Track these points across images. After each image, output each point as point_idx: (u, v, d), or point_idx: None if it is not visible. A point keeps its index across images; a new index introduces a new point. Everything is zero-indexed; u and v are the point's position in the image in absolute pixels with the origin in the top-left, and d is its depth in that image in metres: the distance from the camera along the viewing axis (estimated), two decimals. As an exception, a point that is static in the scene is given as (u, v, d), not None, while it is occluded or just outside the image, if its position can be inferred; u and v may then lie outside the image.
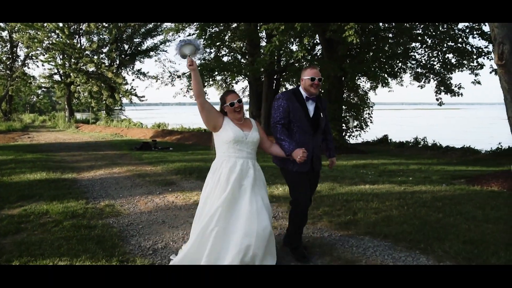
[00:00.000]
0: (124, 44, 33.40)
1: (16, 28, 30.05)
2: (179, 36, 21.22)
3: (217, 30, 17.53)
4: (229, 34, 18.67)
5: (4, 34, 31.79)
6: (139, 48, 33.94)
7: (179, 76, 19.58)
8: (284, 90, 19.01)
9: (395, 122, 46.02)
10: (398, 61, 14.29)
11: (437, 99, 14.79)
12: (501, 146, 12.50)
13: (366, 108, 17.70)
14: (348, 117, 15.38)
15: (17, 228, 4.68)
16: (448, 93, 14.21)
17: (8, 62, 32.51)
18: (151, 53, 33.64)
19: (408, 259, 3.66)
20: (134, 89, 32.71)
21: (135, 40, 33.53)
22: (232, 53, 19.24)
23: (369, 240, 4.16)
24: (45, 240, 4.22)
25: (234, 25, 18.11)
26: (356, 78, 15.08)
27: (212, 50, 18.19)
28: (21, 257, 3.73)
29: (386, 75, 13.80)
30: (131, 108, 35.84)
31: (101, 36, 32.19)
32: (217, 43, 17.19)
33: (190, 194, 6.40)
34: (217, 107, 3.54)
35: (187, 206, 5.72)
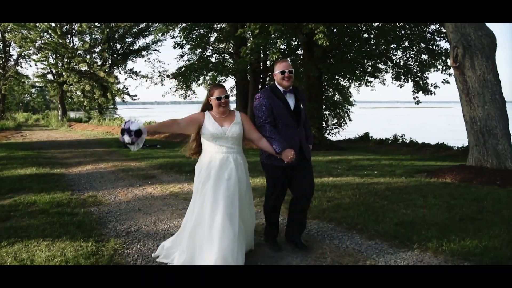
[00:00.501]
0: (116, 44, 33.87)
1: (8, 28, 30.39)
2: (168, 36, 21.69)
3: (202, 32, 18.10)
4: (215, 36, 19.32)
5: (-3, 33, 32.17)
6: (131, 48, 34.42)
7: (168, 76, 20.14)
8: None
9: (387, 120, 46.75)
10: (378, 61, 14.92)
11: (414, 98, 15.50)
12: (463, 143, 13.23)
13: (349, 106, 18.41)
14: (327, 115, 16.02)
15: (7, 215, 5.19)
16: (423, 92, 14.91)
17: (0, 62, 32.85)
18: (143, 52, 34.13)
19: (344, 237, 4.26)
20: (127, 88, 33.24)
21: (127, 39, 34.00)
22: (215, 54, 19.80)
23: (315, 223, 4.75)
24: (31, 225, 4.76)
25: (221, 25, 18.70)
26: (337, 77, 15.81)
27: (197, 52, 18.78)
28: (9, 238, 4.26)
29: (364, 75, 14.45)
30: (126, 107, 36.32)
31: (93, 36, 32.64)
32: (202, 45, 17.81)
33: (167, 186, 6.98)
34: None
35: (163, 196, 6.29)
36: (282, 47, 15.98)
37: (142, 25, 32.78)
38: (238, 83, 19.53)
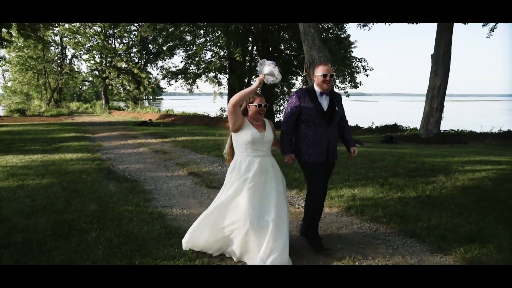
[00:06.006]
0: (149, 45, 40.66)
1: (65, 34, 38.04)
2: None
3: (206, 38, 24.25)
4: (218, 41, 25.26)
5: (57, 38, 40.08)
6: (163, 48, 41.01)
7: (174, 75, 26.58)
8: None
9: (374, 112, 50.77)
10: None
11: (345, 92, 20.65)
12: (375, 125, 18.37)
13: None
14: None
15: (57, 149, 11.27)
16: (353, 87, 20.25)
17: (59, 61, 40.86)
18: (173, 51, 40.57)
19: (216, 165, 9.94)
20: (158, 82, 40.06)
21: (158, 41, 40.62)
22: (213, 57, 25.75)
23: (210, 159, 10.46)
24: (68, 151, 10.80)
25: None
26: None
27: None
28: (57, 153, 10.30)
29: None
30: (170, 98, 42.97)
31: (130, 38, 39.62)
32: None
33: (140, 140, 12.96)
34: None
35: (133, 144, 12.23)
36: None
37: (171, 29, 39.21)
38: (229, 79, 25.26)
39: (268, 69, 3.58)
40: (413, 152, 9.87)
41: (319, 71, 3.81)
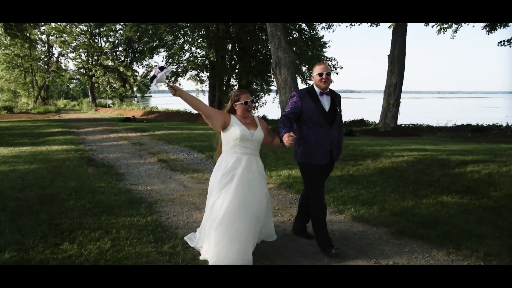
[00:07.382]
0: (135, 44, 41.54)
1: (52, 33, 38.75)
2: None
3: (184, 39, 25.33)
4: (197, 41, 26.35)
5: (43, 37, 40.74)
6: (147, 46, 41.95)
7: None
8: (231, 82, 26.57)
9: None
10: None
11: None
12: (343, 119, 19.78)
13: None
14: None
15: (45, 141, 12.37)
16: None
17: (45, 59, 41.53)
18: (156, 51, 41.53)
19: (185, 154, 11.14)
20: (143, 80, 40.98)
21: (143, 39, 41.53)
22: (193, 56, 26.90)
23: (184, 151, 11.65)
24: (54, 143, 11.91)
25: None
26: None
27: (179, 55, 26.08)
28: (43, 145, 11.42)
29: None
30: (159, 95, 43.85)
31: (116, 37, 40.48)
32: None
33: (121, 134, 14.10)
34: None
35: (114, 137, 13.38)
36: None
37: (152, 30, 40.14)
38: (210, 78, 26.41)
39: (160, 80, 3.54)
40: (362, 143, 11.19)
41: (315, 71, 3.80)
